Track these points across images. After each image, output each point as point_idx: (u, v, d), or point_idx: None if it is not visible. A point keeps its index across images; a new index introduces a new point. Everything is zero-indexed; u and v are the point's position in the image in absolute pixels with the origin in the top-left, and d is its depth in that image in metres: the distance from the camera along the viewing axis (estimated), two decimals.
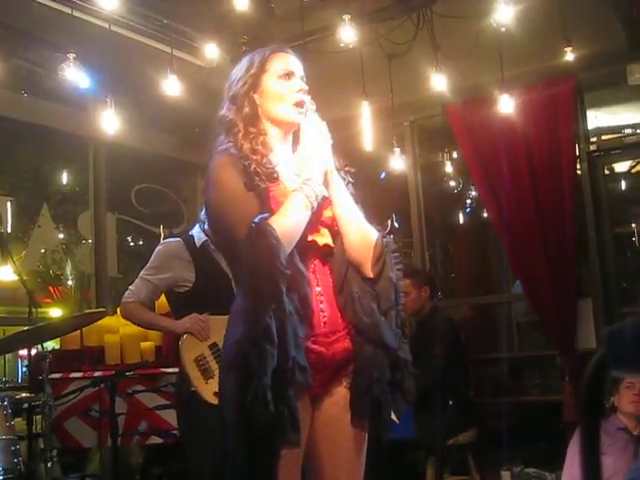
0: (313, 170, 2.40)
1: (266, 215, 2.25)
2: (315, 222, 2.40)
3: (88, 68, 4.75)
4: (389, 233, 2.54)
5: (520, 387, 7.04)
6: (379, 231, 2.50)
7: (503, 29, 4.87)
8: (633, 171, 7.72)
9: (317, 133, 2.45)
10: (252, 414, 2.13)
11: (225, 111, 2.54)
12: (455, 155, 7.26)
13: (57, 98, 6.12)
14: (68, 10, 4.74)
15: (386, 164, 6.70)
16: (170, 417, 4.79)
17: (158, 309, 4.71)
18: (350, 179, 2.59)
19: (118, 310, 4.38)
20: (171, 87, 4.88)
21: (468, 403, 5.43)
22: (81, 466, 5.57)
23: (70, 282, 10.59)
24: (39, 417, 4.25)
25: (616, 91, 6.33)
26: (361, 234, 2.45)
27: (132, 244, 11.15)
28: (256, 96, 2.51)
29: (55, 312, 10.16)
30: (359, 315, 2.38)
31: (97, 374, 4.91)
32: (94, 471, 5.49)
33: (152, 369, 5.04)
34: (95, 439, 4.95)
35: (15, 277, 4.82)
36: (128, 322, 4.34)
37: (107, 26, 5.00)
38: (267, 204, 2.32)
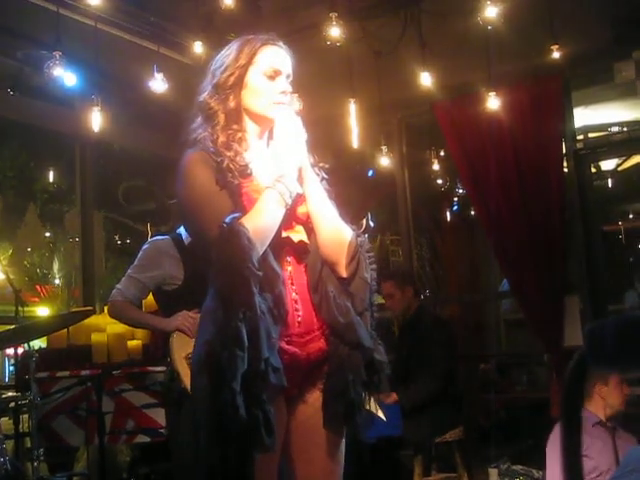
0: (287, 166, 2.35)
1: (238, 214, 2.21)
2: (289, 219, 2.36)
3: (74, 66, 4.73)
4: (364, 232, 2.50)
5: (507, 384, 7.07)
6: (354, 230, 2.45)
7: (490, 27, 4.87)
8: (620, 169, 7.77)
9: (291, 129, 2.40)
10: (223, 419, 2.09)
11: (207, 97, 2.47)
12: (443, 153, 7.27)
13: (43, 96, 6.10)
14: (54, 8, 4.71)
15: (374, 162, 6.71)
16: (158, 416, 4.78)
17: (145, 308, 4.71)
18: (324, 175, 2.54)
19: (105, 309, 4.37)
20: (158, 85, 4.88)
21: (457, 401, 5.44)
22: (68, 465, 5.55)
23: (57, 281, 10.57)
24: (26, 416, 4.24)
25: (603, 89, 6.36)
26: (334, 231, 2.40)
27: (119, 242, 11.15)
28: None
29: (42, 311, 10.15)
30: (334, 315, 2.33)
31: (84, 373, 4.90)
32: (81, 470, 5.47)
33: (139, 367, 5.03)
34: (82, 438, 4.93)
35: (2, 276, 4.81)
36: (115, 321, 4.33)
37: (93, 24, 4.98)
38: (239, 201, 2.28)
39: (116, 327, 5.23)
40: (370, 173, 8.21)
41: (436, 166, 7.28)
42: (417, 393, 5.06)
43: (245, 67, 2.44)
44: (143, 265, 4.02)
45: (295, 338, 2.32)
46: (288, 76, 2.49)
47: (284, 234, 2.35)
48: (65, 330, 5.21)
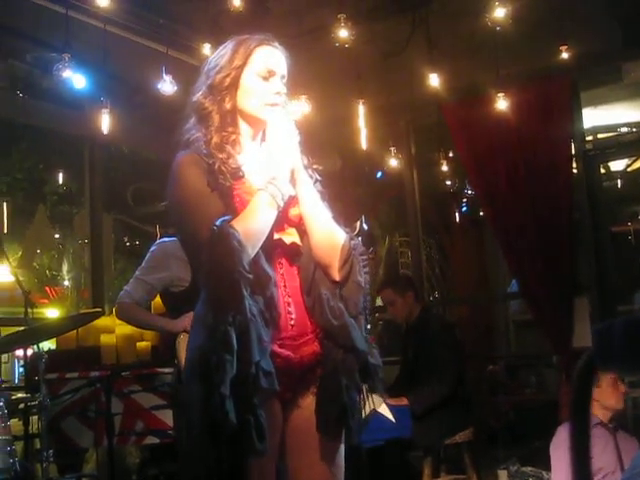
0: (279, 168, 2.32)
1: (229, 217, 2.18)
2: (281, 221, 2.33)
3: (84, 68, 4.74)
4: (358, 235, 2.47)
5: (516, 386, 7.05)
6: (347, 233, 2.42)
7: (499, 28, 4.87)
8: (629, 170, 7.74)
9: (283, 130, 2.36)
10: (215, 424, 2.07)
11: (201, 98, 2.44)
12: (452, 154, 7.26)
13: (53, 99, 6.13)
14: (63, 10, 4.72)
15: (382, 163, 6.71)
16: (166, 417, 4.79)
17: (154, 310, 4.71)
18: (318, 177, 2.50)
19: (114, 310, 4.37)
20: (167, 87, 4.89)
21: (466, 402, 5.43)
22: (78, 466, 5.56)
23: (66, 282, 10.60)
24: (35, 417, 4.25)
25: (612, 90, 6.34)
26: (327, 233, 2.37)
27: (128, 244, 11.17)
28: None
29: (52, 312, 10.17)
30: (327, 317, 2.30)
31: (93, 374, 4.91)
32: (91, 471, 5.48)
33: (148, 369, 5.04)
34: (91, 439, 4.95)
35: (11, 277, 4.82)
36: (124, 322, 4.33)
37: (102, 26, 4.99)
38: (231, 203, 2.25)
39: (125, 329, 5.24)
40: (379, 174, 8.21)
41: (445, 167, 7.25)
42: (427, 397, 5.03)
43: (240, 68, 2.40)
44: (151, 267, 4.03)
45: (288, 341, 2.29)
46: (283, 77, 2.45)
47: (276, 236, 2.32)
48: (74, 331, 5.22)
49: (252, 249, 2.18)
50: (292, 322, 2.31)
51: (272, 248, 2.31)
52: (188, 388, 2.20)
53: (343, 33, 4.95)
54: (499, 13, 4.72)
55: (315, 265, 2.36)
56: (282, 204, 2.29)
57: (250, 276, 2.12)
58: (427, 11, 5.34)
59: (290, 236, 2.38)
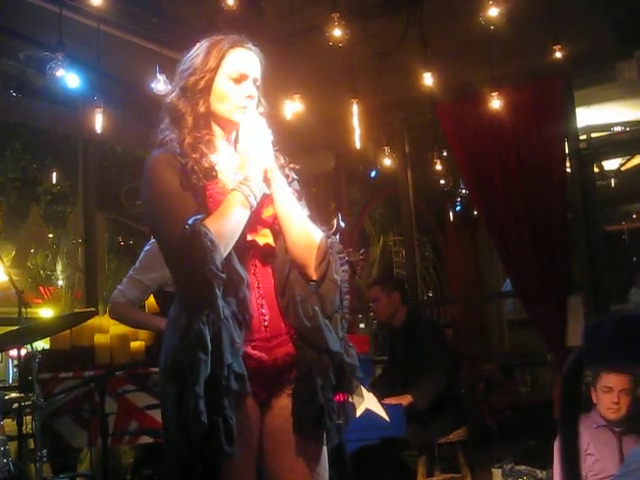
0: (252, 168, 2.32)
1: (201, 216, 2.18)
2: (255, 222, 2.33)
3: (77, 67, 4.73)
4: (335, 233, 2.46)
5: (511, 385, 7.05)
6: (324, 231, 2.42)
7: (492, 27, 4.87)
8: (623, 169, 7.76)
9: (256, 130, 2.36)
10: (187, 425, 2.07)
11: (175, 99, 2.44)
12: (446, 153, 7.27)
13: (46, 98, 6.11)
14: (56, 9, 4.71)
15: (377, 162, 6.71)
16: (160, 417, 4.77)
17: (148, 309, 4.71)
18: (294, 176, 2.50)
19: (107, 310, 4.36)
20: (160, 86, 4.88)
21: (460, 402, 5.44)
22: (72, 466, 5.55)
23: (60, 282, 10.56)
24: (29, 417, 4.24)
25: (605, 89, 6.35)
26: (303, 233, 2.37)
27: (122, 243, 11.15)
28: None
29: (46, 312, 10.13)
30: (300, 319, 2.29)
31: (87, 374, 4.90)
32: (85, 471, 5.47)
33: (142, 368, 5.03)
34: (86, 439, 4.93)
35: (5, 277, 4.81)
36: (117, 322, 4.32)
37: (96, 25, 4.98)
38: (204, 203, 2.25)
39: (119, 328, 5.22)
40: (373, 173, 8.22)
41: (439, 166, 7.26)
42: (431, 391, 5.05)
43: (214, 71, 2.40)
44: (145, 267, 4.02)
45: (261, 343, 2.29)
46: (255, 80, 2.45)
47: (249, 238, 2.32)
48: (68, 331, 5.21)
49: (224, 249, 2.17)
50: (266, 323, 2.31)
51: (245, 249, 2.31)
52: (164, 390, 2.23)
53: (337, 32, 4.94)
54: (493, 12, 4.72)
55: (289, 266, 2.36)
56: (255, 204, 2.29)
57: (223, 275, 2.12)
58: (421, 10, 5.34)
59: (263, 237, 2.38)
